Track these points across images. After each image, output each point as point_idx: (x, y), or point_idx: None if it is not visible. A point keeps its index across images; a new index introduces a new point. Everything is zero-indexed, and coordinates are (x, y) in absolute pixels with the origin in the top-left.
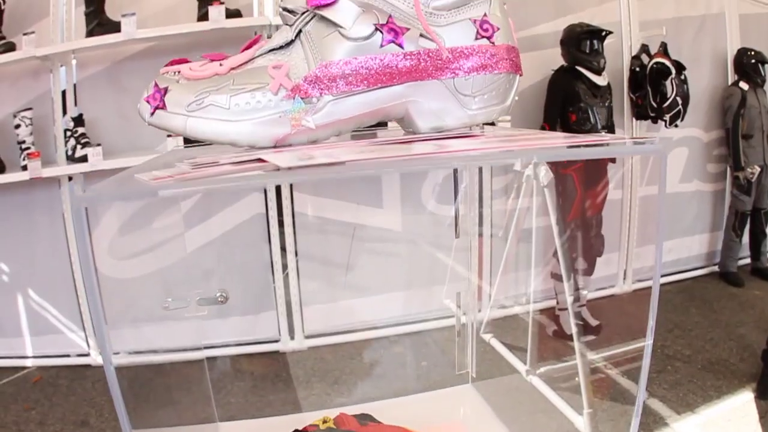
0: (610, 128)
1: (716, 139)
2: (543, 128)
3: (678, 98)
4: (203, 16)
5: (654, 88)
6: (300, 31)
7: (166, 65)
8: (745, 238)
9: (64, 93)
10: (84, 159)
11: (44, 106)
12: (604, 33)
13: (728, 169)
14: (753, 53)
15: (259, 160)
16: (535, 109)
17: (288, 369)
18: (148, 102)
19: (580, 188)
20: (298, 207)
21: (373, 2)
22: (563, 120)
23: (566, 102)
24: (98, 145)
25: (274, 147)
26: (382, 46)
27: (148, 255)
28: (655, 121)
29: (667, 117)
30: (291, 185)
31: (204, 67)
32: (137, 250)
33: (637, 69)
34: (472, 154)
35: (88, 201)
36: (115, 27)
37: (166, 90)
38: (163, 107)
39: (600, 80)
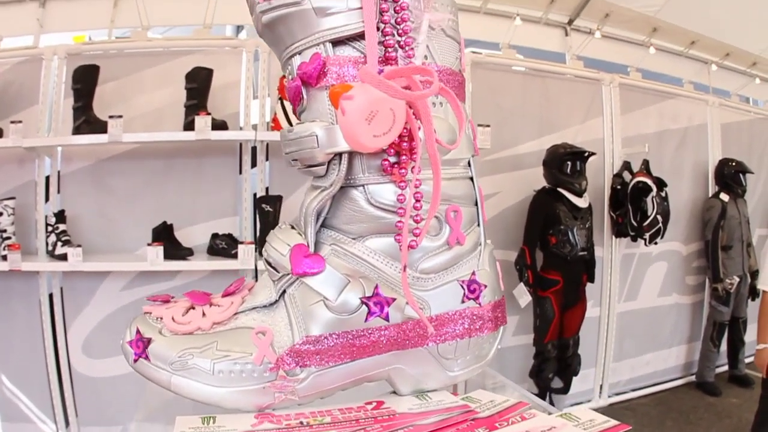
0: (589, 250)
1: (696, 252)
2: (522, 250)
3: (658, 216)
4: (189, 124)
5: (635, 206)
6: (284, 291)
7: (149, 299)
8: (723, 346)
9: (47, 179)
10: (64, 257)
11: (27, 195)
12: (586, 154)
13: (707, 280)
14: (734, 163)
15: None
16: (516, 229)
17: None
18: (130, 346)
19: (558, 310)
20: None
21: (359, 268)
22: (543, 242)
23: (547, 224)
24: (78, 246)
25: (258, 412)
26: (367, 320)
27: (123, 356)
28: (634, 239)
29: (647, 235)
30: None
31: (187, 317)
32: (111, 349)
33: (618, 187)
34: None
35: None
36: (102, 127)
37: (149, 341)
38: (146, 358)
39: (581, 202)
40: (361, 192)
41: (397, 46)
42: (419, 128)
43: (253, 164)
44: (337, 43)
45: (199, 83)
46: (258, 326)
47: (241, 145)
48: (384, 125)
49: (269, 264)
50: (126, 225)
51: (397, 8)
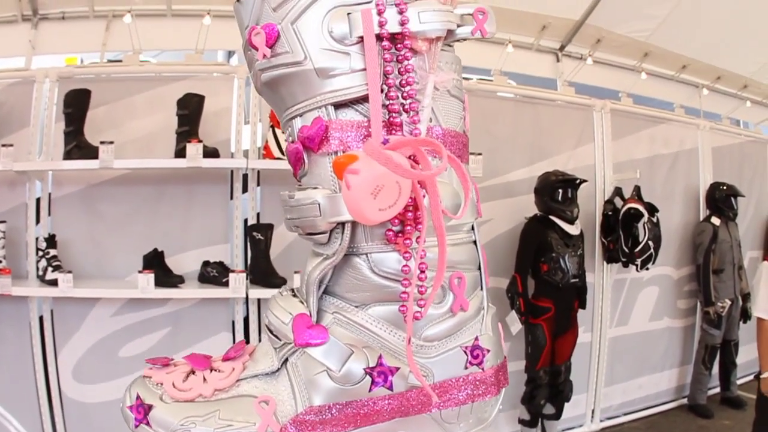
0: (580, 277)
1: (687, 275)
2: (514, 278)
3: (650, 242)
4: (181, 151)
5: (626, 232)
6: (286, 360)
7: (148, 362)
8: (715, 368)
9: (38, 201)
10: (54, 283)
11: (18, 218)
12: (578, 181)
13: (699, 304)
14: (725, 187)
15: None
16: (508, 257)
17: None
18: (131, 411)
19: (549, 337)
20: None
21: (362, 337)
22: (534, 270)
23: (538, 252)
24: (69, 272)
25: None
26: (371, 390)
27: (113, 382)
28: (626, 265)
29: (638, 261)
30: (259, 326)
31: (188, 383)
32: (102, 375)
33: (610, 213)
34: None
35: None
36: (93, 152)
37: (150, 407)
38: (148, 424)
39: (572, 229)
40: (364, 260)
41: (401, 110)
42: (424, 196)
43: (245, 189)
44: (339, 105)
45: (190, 110)
46: (261, 395)
47: (232, 172)
48: (390, 198)
49: (270, 331)
50: (116, 250)
51: (402, 69)
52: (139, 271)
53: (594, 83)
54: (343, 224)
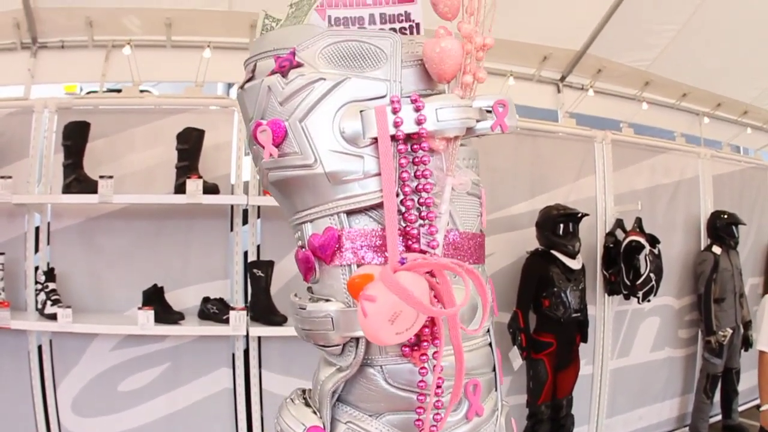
0: (582, 311)
1: (688, 305)
2: (515, 313)
3: (651, 274)
4: (180, 186)
5: (628, 265)
6: None
7: None
8: (716, 396)
9: (37, 229)
10: (53, 317)
11: (17, 250)
12: (579, 215)
13: (700, 333)
14: (726, 216)
15: None
16: (509, 291)
17: None
18: None
19: (551, 372)
20: (267, 384)
21: None
22: (536, 305)
23: (540, 287)
24: (68, 306)
25: None
26: None
27: (112, 416)
28: (627, 297)
29: (640, 293)
30: (260, 363)
31: None
32: (101, 409)
33: (611, 245)
34: None
35: None
36: (92, 186)
37: None
38: None
39: (574, 264)
40: (378, 371)
41: (418, 217)
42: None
43: (245, 221)
44: (352, 211)
45: (190, 144)
46: None
47: (232, 206)
48: (407, 322)
49: None
50: (116, 285)
51: (419, 173)
52: (139, 308)
53: (595, 113)
54: (357, 338)
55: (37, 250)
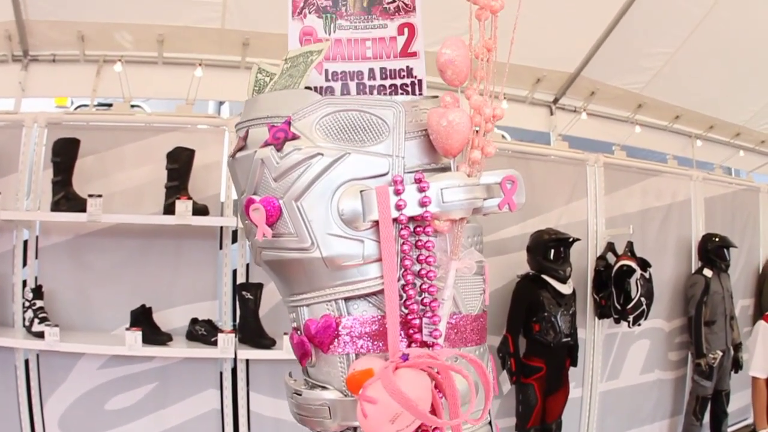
0: (572, 335)
1: (678, 327)
2: (505, 338)
3: (642, 298)
4: (170, 207)
5: (618, 289)
6: None
7: None
8: (706, 418)
9: (26, 243)
10: (41, 335)
11: (5, 265)
12: (571, 240)
13: (690, 355)
14: (718, 238)
15: None
16: (499, 315)
17: None
18: None
19: (540, 396)
20: (255, 406)
21: None
22: (526, 330)
23: (530, 312)
24: (56, 325)
25: None
26: None
27: None
28: (618, 321)
29: (631, 318)
30: (247, 385)
31: None
32: (88, 427)
33: (602, 269)
34: None
35: None
36: (81, 204)
37: None
38: None
39: (565, 288)
40: None
41: (420, 305)
42: (441, 397)
43: (234, 239)
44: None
45: (180, 164)
46: None
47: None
48: (407, 419)
49: None
50: (103, 303)
51: (422, 258)
52: (127, 328)
53: (587, 136)
54: (355, 427)
55: (25, 263)
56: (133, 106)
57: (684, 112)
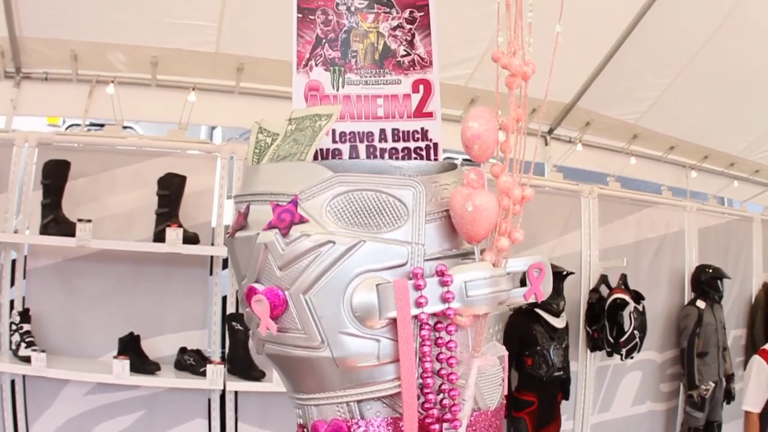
0: (565, 369)
1: (670, 359)
2: None
3: (635, 331)
4: (160, 234)
5: (611, 322)
6: None
7: None
8: None
9: (14, 262)
10: (27, 360)
11: None
12: (565, 273)
13: (682, 386)
14: (711, 270)
15: None
16: None
17: None
18: None
19: (532, 430)
20: None
21: None
22: (518, 363)
23: (522, 345)
24: (43, 351)
25: None
26: None
27: None
28: (610, 354)
29: (623, 351)
30: (236, 415)
31: None
32: None
33: (595, 301)
34: None
35: None
36: (71, 228)
37: None
38: None
39: (558, 322)
40: None
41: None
42: None
43: (225, 265)
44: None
45: (171, 191)
46: None
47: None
48: None
49: None
50: (91, 328)
51: (443, 357)
52: (115, 357)
53: (582, 166)
54: None
55: (12, 283)
56: (125, 127)
57: (679, 143)
